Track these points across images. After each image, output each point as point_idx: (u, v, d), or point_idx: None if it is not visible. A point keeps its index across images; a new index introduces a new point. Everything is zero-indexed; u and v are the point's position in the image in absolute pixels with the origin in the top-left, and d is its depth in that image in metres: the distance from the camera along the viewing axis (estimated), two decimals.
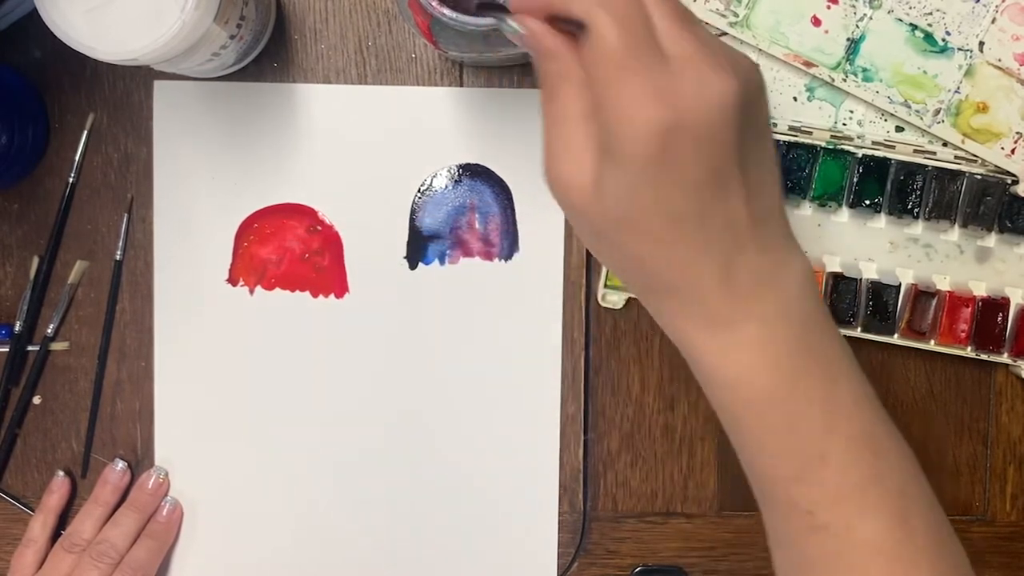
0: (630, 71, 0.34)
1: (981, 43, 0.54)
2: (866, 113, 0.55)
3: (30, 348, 0.57)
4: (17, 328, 0.57)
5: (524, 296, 0.57)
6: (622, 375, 0.58)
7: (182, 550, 0.58)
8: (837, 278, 0.55)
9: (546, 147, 0.37)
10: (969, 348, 0.56)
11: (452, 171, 0.57)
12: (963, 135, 0.54)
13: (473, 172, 0.57)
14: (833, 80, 0.54)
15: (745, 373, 0.38)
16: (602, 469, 0.58)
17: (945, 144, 0.55)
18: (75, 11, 0.45)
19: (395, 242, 0.57)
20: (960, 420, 0.58)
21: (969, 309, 0.56)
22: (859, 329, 0.56)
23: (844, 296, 0.55)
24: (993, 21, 0.54)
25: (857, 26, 0.54)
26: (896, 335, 0.56)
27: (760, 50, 0.54)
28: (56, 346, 0.58)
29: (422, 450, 0.58)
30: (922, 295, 0.56)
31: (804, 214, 0.56)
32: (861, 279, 0.56)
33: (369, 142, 0.57)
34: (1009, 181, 0.55)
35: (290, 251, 0.57)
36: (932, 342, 0.56)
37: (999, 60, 0.54)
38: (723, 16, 0.54)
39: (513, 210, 0.57)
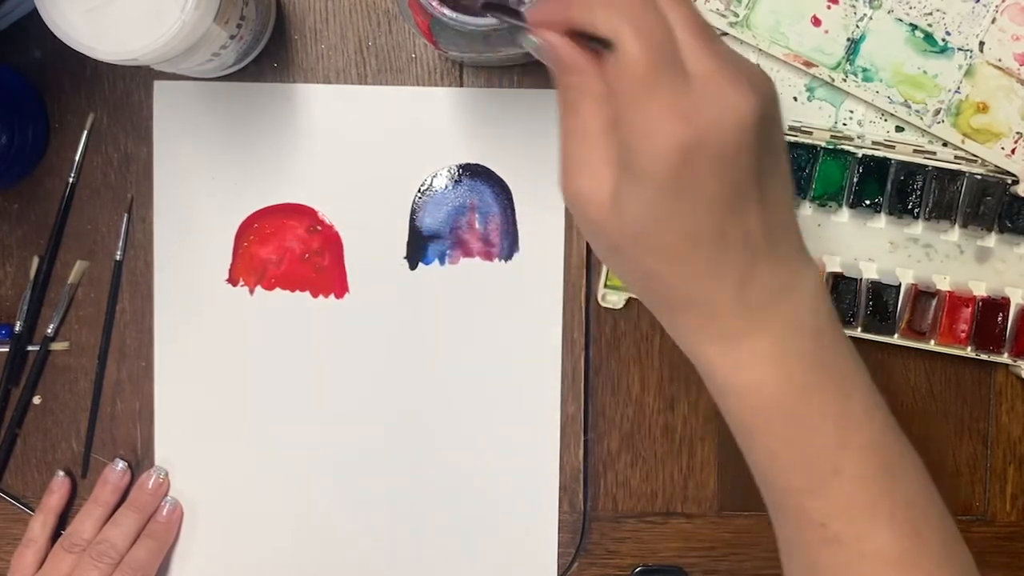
0: (653, 89, 0.33)
1: (981, 43, 0.54)
2: (866, 113, 0.55)
3: (30, 348, 0.57)
4: (17, 328, 0.57)
5: (524, 296, 0.57)
6: (622, 375, 0.58)
7: (182, 550, 0.58)
8: (837, 278, 0.55)
9: (564, 161, 0.37)
10: (969, 348, 0.56)
11: (452, 171, 0.57)
12: (963, 135, 0.54)
13: (473, 172, 0.57)
14: (833, 80, 0.54)
15: (758, 385, 0.38)
16: (602, 469, 0.58)
17: (945, 144, 0.55)
18: (75, 11, 0.45)
19: (395, 242, 0.57)
20: (960, 420, 0.58)
21: (969, 309, 0.56)
22: (859, 329, 0.56)
23: (844, 296, 0.55)
24: (993, 21, 0.54)
25: (857, 26, 0.54)
26: (896, 335, 0.56)
27: (760, 50, 0.54)
28: (56, 346, 0.58)
29: (422, 450, 0.58)
30: (922, 295, 0.56)
31: (804, 214, 0.56)
32: (861, 279, 0.56)
33: (369, 142, 0.57)
34: (1009, 181, 0.55)
35: (290, 251, 0.57)
36: (932, 342, 0.56)
37: (999, 60, 0.54)
38: (723, 16, 0.54)
39: (513, 210, 0.57)
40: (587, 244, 0.57)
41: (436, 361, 0.57)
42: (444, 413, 0.58)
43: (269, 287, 0.57)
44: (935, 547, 0.39)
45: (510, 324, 0.57)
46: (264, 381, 0.58)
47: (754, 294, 0.37)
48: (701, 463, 0.58)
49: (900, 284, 0.56)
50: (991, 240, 0.56)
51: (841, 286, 0.55)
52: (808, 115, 0.55)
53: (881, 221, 0.56)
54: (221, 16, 0.47)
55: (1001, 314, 0.56)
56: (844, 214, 0.56)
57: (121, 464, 0.57)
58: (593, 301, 0.57)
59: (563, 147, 0.37)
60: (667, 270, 0.36)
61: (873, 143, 0.55)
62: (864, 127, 0.55)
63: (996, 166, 0.55)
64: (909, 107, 0.54)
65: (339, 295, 0.57)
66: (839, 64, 0.54)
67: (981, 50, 0.54)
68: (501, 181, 0.57)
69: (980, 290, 0.56)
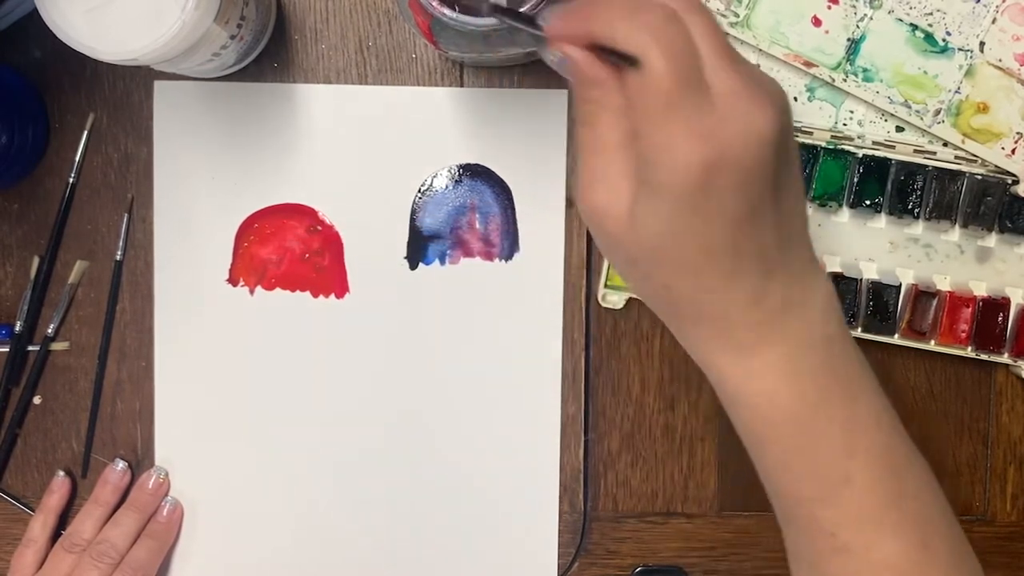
0: (677, 107, 0.33)
1: (982, 43, 0.54)
2: (866, 113, 0.55)
3: (30, 348, 0.57)
4: (17, 328, 0.57)
5: (524, 296, 0.57)
6: (622, 375, 0.58)
7: (182, 550, 0.58)
8: (837, 278, 0.55)
9: (581, 173, 0.37)
10: (969, 348, 0.56)
11: (452, 171, 0.57)
12: (963, 135, 0.54)
13: (473, 172, 0.57)
14: (833, 80, 0.54)
15: (769, 395, 0.38)
16: (602, 469, 0.58)
17: (945, 144, 0.55)
18: (75, 11, 0.45)
19: (395, 242, 0.57)
20: (960, 420, 0.58)
21: (969, 309, 0.56)
22: (859, 329, 0.56)
23: (844, 296, 0.55)
24: (993, 21, 0.54)
25: (857, 26, 0.54)
26: (896, 335, 0.56)
27: (760, 50, 0.54)
28: (56, 346, 0.58)
29: (422, 450, 0.58)
30: (922, 295, 0.56)
31: None
32: (861, 279, 0.56)
33: (369, 142, 0.57)
34: (1009, 181, 0.55)
35: (290, 251, 0.57)
36: (932, 342, 0.56)
37: (999, 60, 0.54)
38: (723, 16, 0.54)
39: (513, 210, 0.57)
40: (587, 244, 0.57)
41: (436, 361, 0.57)
42: (444, 413, 0.58)
43: (269, 287, 0.57)
44: (944, 556, 0.39)
45: (510, 324, 0.57)
46: (264, 381, 0.58)
47: (767, 306, 0.37)
48: (701, 463, 0.58)
49: (900, 284, 0.56)
50: (991, 240, 0.56)
51: (841, 286, 0.55)
52: (808, 115, 0.55)
53: (881, 221, 0.56)
54: (221, 16, 0.47)
55: (1001, 314, 0.56)
56: (844, 214, 0.56)
57: (121, 464, 0.57)
58: (593, 301, 0.57)
59: (580, 159, 0.37)
60: (682, 283, 0.36)
61: (873, 143, 0.55)
62: (864, 127, 0.55)
63: (996, 166, 0.55)
64: (909, 107, 0.54)
65: (339, 295, 0.57)
66: (839, 64, 0.54)
67: (981, 50, 0.54)
68: (501, 181, 0.57)
69: (980, 290, 0.56)
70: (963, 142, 0.54)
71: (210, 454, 0.58)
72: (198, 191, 0.57)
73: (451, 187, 0.57)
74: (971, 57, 0.54)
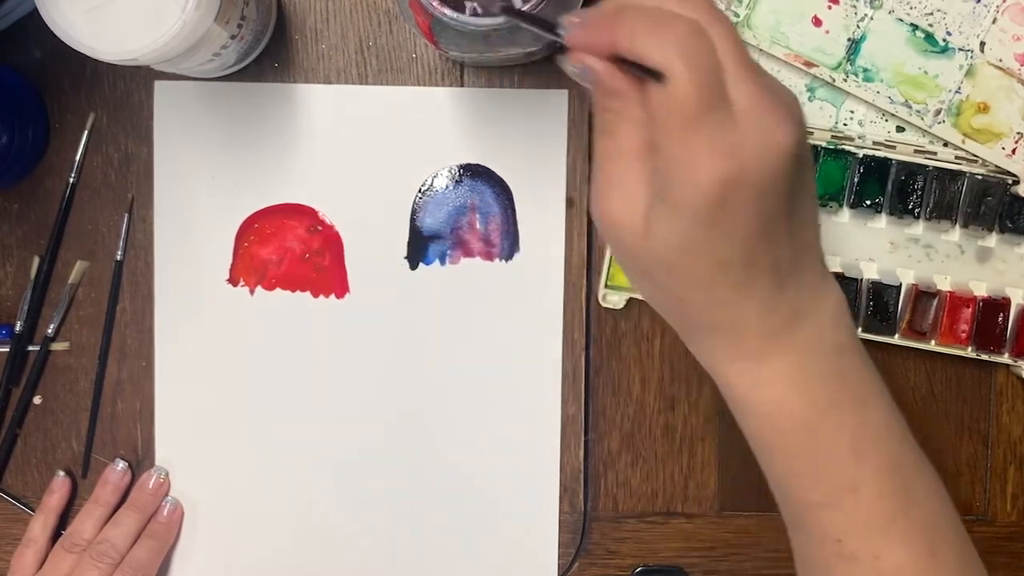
0: (700, 124, 0.33)
1: (982, 43, 0.54)
2: (867, 113, 0.55)
3: (30, 348, 0.57)
4: (17, 328, 0.57)
5: (524, 296, 0.57)
6: (622, 375, 0.58)
7: (182, 550, 0.58)
8: (838, 278, 0.55)
9: (597, 181, 0.36)
10: (970, 348, 0.56)
11: (452, 171, 0.57)
12: (964, 135, 0.54)
13: (473, 172, 0.57)
14: (834, 80, 0.54)
15: (779, 403, 0.38)
16: (602, 469, 0.58)
17: (946, 144, 0.55)
18: (75, 11, 0.45)
19: (396, 242, 0.57)
20: (960, 420, 0.58)
21: (970, 309, 0.56)
22: (860, 329, 0.56)
23: (844, 297, 0.55)
24: (994, 21, 0.54)
25: (858, 26, 0.54)
26: (897, 335, 0.56)
27: (761, 50, 0.54)
28: (56, 346, 0.58)
29: (422, 450, 0.58)
30: (923, 295, 0.56)
31: None
32: (862, 279, 0.56)
33: (369, 142, 0.57)
34: (1010, 181, 0.55)
35: (290, 251, 0.57)
36: (933, 342, 0.56)
37: (1000, 60, 0.54)
38: None
39: (514, 210, 0.57)
40: (587, 244, 0.57)
41: (436, 361, 0.57)
42: (444, 413, 0.58)
43: (269, 287, 0.57)
44: (951, 564, 0.39)
45: (510, 324, 0.57)
46: (264, 381, 0.57)
47: (778, 315, 0.37)
48: (701, 463, 0.58)
49: (901, 284, 0.56)
50: (992, 240, 0.56)
51: (841, 286, 0.55)
52: (809, 115, 0.55)
53: (882, 221, 0.56)
54: (221, 16, 0.47)
55: (1002, 314, 0.56)
56: (845, 214, 0.56)
57: (121, 464, 0.57)
58: (593, 301, 0.57)
59: (597, 168, 0.37)
60: (695, 296, 0.37)
61: (874, 143, 0.55)
62: (865, 127, 0.55)
63: (997, 166, 0.55)
64: (910, 107, 0.54)
65: (339, 295, 0.57)
66: (840, 64, 0.54)
67: (982, 50, 0.54)
68: (501, 181, 0.57)
69: (981, 290, 0.56)
70: (963, 142, 0.54)
71: (210, 454, 0.58)
72: (198, 191, 0.57)
73: (451, 187, 0.57)
74: (971, 57, 0.54)
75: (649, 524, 0.59)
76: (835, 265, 0.56)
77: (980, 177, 0.55)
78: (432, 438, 0.58)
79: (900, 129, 0.55)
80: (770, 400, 0.38)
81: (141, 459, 0.58)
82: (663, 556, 0.59)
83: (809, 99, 0.55)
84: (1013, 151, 0.54)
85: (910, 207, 0.55)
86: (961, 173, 0.55)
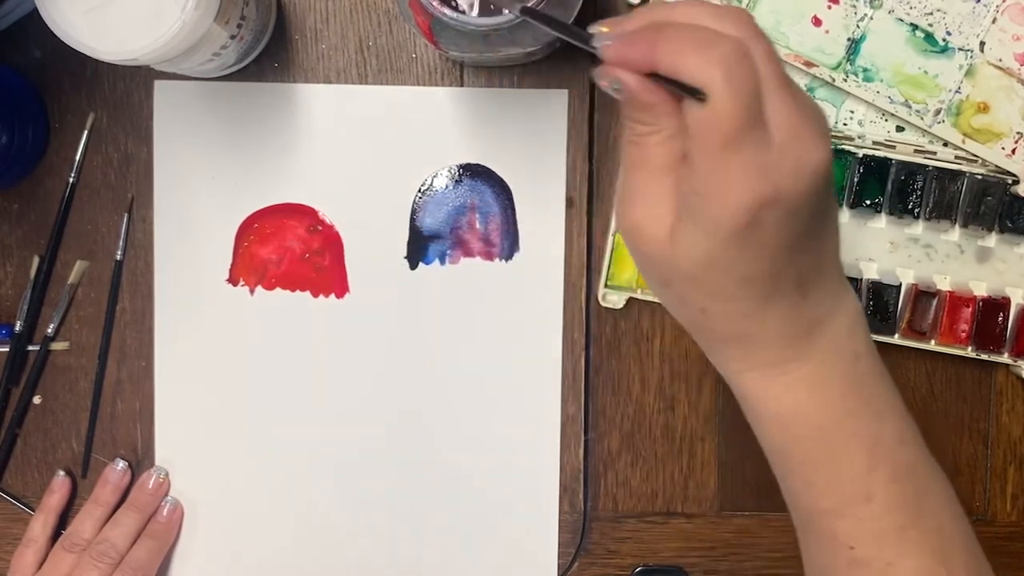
0: (738, 147, 0.33)
1: (982, 43, 0.54)
2: (867, 113, 0.55)
3: (30, 348, 0.57)
4: (17, 328, 0.57)
5: (524, 296, 0.57)
6: (622, 375, 0.58)
7: (182, 550, 0.58)
8: None
9: (624, 192, 0.36)
10: (969, 348, 0.56)
11: (452, 171, 0.57)
12: (964, 135, 0.54)
13: (473, 172, 0.57)
14: (834, 80, 0.54)
15: (795, 410, 0.38)
16: (602, 469, 0.58)
17: (946, 144, 0.55)
18: (75, 11, 0.45)
19: (395, 242, 0.57)
20: (960, 420, 0.58)
21: (969, 309, 0.56)
22: None
23: None
24: (994, 21, 0.54)
25: (858, 26, 0.54)
26: (897, 335, 0.56)
27: None
28: (56, 346, 0.58)
29: (422, 450, 0.58)
30: (923, 295, 0.56)
31: None
32: (862, 279, 0.56)
33: (369, 142, 0.57)
34: (1010, 181, 0.55)
35: (290, 251, 0.57)
36: (932, 342, 0.56)
37: (1000, 60, 0.54)
38: None
39: (513, 210, 0.57)
40: (587, 244, 0.57)
41: (436, 361, 0.57)
42: (444, 413, 0.58)
43: (269, 287, 0.57)
44: (962, 574, 0.40)
45: (510, 324, 0.57)
46: (264, 381, 0.57)
47: (799, 325, 0.37)
48: (701, 463, 0.58)
49: (900, 284, 0.56)
50: (991, 240, 0.56)
51: None
52: None
53: (881, 221, 0.56)
54: (221, 16, 0.47)
55: (1001, 314, 0.56)
56: (844, 214, 0.56)
57: (121, 464, 0.57)
58: (593, 301, 0.57)
59: (624, 177, 0.36)
60: (717, 307, 0.37)
61: (873, 143, 0.55)
62: (864, 127, 0.55)
63: (997, 166, 0.55)
64: (910, 107, 0.54)
65: (339, 295, 0.57)
66: (840, 64, 0.54)
67: (982, 50, 0.54)
68: (501, 181, 0.57)
69: (980, 290, 0.56)
70: (963, 142, 0.54)
71: (210, 454, 0.58)
72: (198, 191, 0.57)
73: (451, 187, 0.57)
74: (971, 57, 0.54)
75: (649, 524, 0.59)
76: None
77: (980, 177, 0.55)
78: (432, 438, 0.58)
79: (900, 129, 0.55)
80: (786, 407, 0.38)
81: (141, 459, 0.58)
82: (663, 556, 0.59)
83: None
84: (1013, 151, 0.54)
85: (910, 207, 0.55)
86: (961, 173, 0.55)
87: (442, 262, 0.57)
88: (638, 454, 0.58)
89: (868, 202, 0.55)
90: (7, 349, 0.57)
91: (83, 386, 0.58)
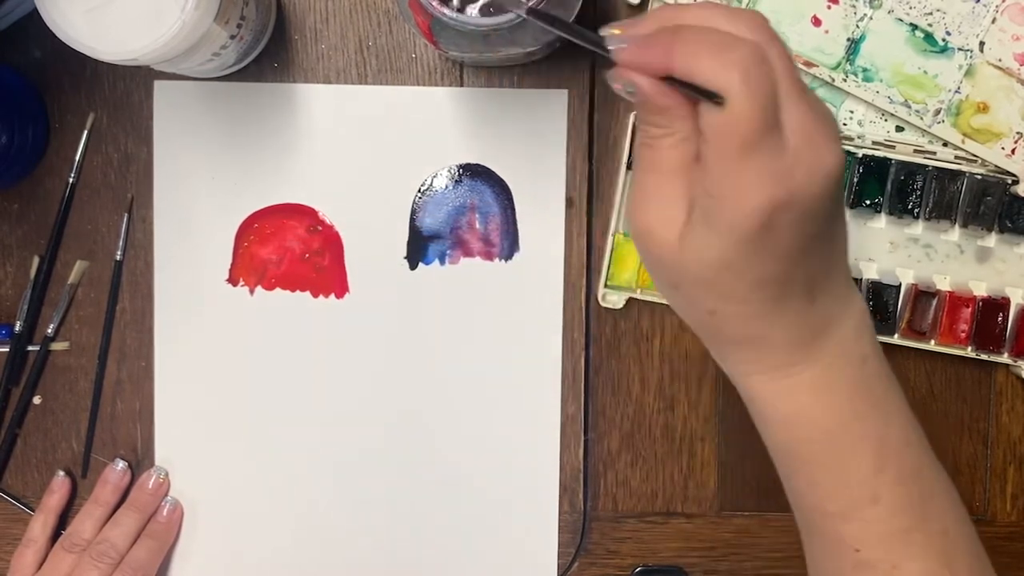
0: (754, 151, 0.33)
1: (981, 43, 0.54)
2: (866, 113, 0.55)
3: (30, 348, 0.57)
4: (17, 328, 0.57)
5: (524, 296, 0.57)
6: (622, 375, 0.58)
7: (182, 550, 0.58)
8: None
9: (636, 194, 0.36)
10: (969, 348, 0.56)
11: (452, 171, 0.57)
12: (963, 135, 0.54)
13: (473, 172, 0.57)
14: (833, 80, 0.54)
15: (802, 413, 0.38)
16: (602, 469, 0.58)
17: (945, 144, 0.55)
18: (75, 11, 0.45)
19: (395, 242, 0.57)
20: (960, 420, 0.58)
21: (969, 309, 0.56)
22: None
23: None
24: (993, 21, 0.54)
25: (857, 26, 0.54)
26: (896, 335, 0.56)
27: None
28: (56, 346, 0.58)
29: (422, 450, 0.58)
30: (922, 295, 0.56)
31: None
32: (861, 279, 0.56)
33: (369, 142, 0.57)
34: (1009, 181, 0.55)
35: (290, 251, 0.57)
36: (932, 342, 0.56)
37: (999, 60, 0.54)
38: None
39: (513, 210, 0.57)
40: (587, 244, 0.57)
41: (436, 361, 0.57)
42: (444, 413, 0.58)
43: (269, 287, 0.57)
44: None
45: (510, 324, 0.57)
46: (264, 381, 0.58)
47: (807, 328, 0.37)
48: (701, 463, 0.58)
49: (900, 284, 0.56)
50: (991, 240, 0.56)
51: None
52: None
53: (881, 221, 0.56)
54: (221, 16, 0.47)
55: (1001, 314, 0.56)
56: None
57: (121, 464, 0.57)
58: (593, 301, 0.57)
59: (637, 180, 0.36)
60: (727, 310, 0.37)
61: (873, 143, 0.55)
62: (864, 127, 0.55)
63: (996, 166, 0.55)
64: (909, 107, 0.54)
65: (339, 295, 0.57)
66: (839, 64, 0.54)
67: (981, 50, 0.54)
68: (501, 181, 0.57)
69: (980, 290, 0.56)
70: (963, 142, 0.54)
71: (210, 454, 0.58)
72: (198, 191, 0.57)
73: (451, 187, 0.57)
74: (971, 57, 0.54)
75: (649, 524, 0.59)
76: None
77: (980, 177, 0.55)
78: (432, 438, 0.58)
79: (900, 129, 0.55)
80: (793, 409, 0.38)
81: (141, 459, 0.58)
82: (663, 556, 0.59)
83: None
84: (1012, 151, 0.54)
85: (909, 207, 0.55)
86: (961, 173, 0.55)
87: (442, 262, 0.57)
88: (638, 454, 0.58)
89: (868, 202, 0.55)
90: (7, 349, 0.57)
91: (83, 386, 0.58)
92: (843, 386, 0.38)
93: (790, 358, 0.38)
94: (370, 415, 0.58)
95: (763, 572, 0.59)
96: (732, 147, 0.33)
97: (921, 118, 0.54)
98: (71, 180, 0.57)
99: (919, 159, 0.55)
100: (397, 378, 0.57)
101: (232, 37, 0.50)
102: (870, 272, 0.56)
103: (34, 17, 0.47)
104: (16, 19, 0.56)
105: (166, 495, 0.57)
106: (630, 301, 0.57)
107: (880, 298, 0.55)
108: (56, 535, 0.57)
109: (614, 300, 0.57)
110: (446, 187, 0.57)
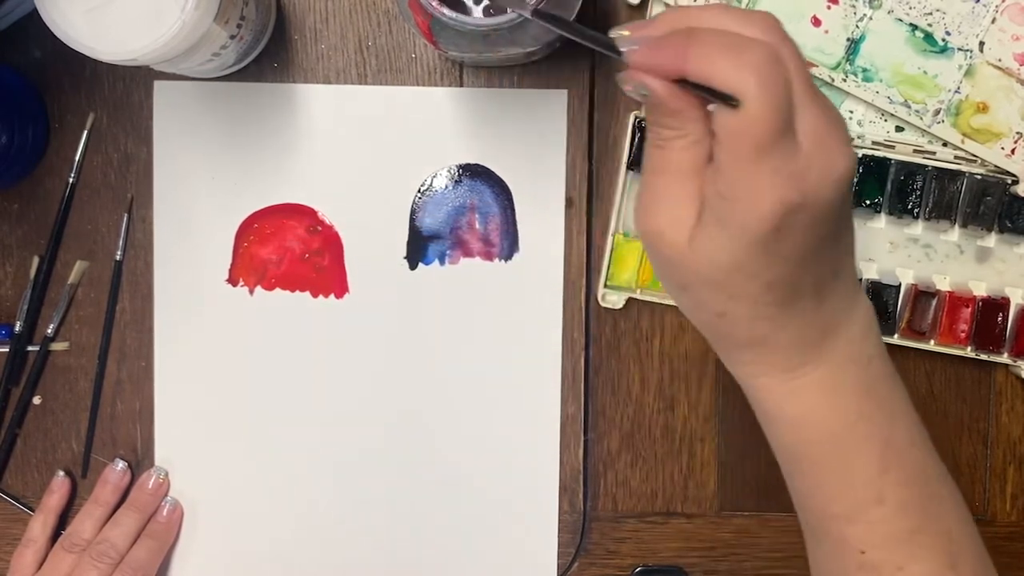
0: (768, 153, 0.33)
1: (981, 43, 0.54)
2: (866, 113, 0.55)
3: (30, 348, 0.57)
4: (17, 328, 0.57)
5: (524, 296, 0.57)
6: (622, 375, 0.58)
7: (182, 550, 0.58)
8: None
9: (645, 195, 0.36)
10: (969, 348, 0.56)
11: (452, 171, 0.57)
12: (963, 135, 0.54)
13: (473, 172, 0.57)
14: (833, 80, 0.54)
15: (809, 414, 0.38)
16: (602, 469, 0.58)
17: (945, 144, 0.55)
18: (75, 11, 0.45)
19: (395, 242, 0.57)
20: (960, 420, 0.58)
21: (969, 309, 0.56)
22: None
23: None
24: (993, 21, 0.54)
25: (857, 26, 0.54)
26: (896, 335, 0.56)
27: None
28: (56, 346, 0.58)
29: (422, 450, 0.58)
30: (922, 295, 0.56)
31: None
32: (861, 279, 0.56)
33: (369, 142, 0.57)
34: (1009, 181, 0.55)
35: (290, 251, 0.57)
36: (932, 342, 0.56)
37: (999, 60, 0.54)
38: None
39: (513, 210, 0.57)
40: (587, 244, 0.57)
41: (436, 361, 0.57)
42: (444, 413, 0.58)
43: (269, 287, 0.57)
44: None
45: (510, 324, 0.57)
46: (264, 381, 0.58)
47: (815, 329, 0.37)
48: (701, 463, 0.58)
49: (900, 284, 0.56)
50: (991, 240, 0.56)
51: None
52: None
53: (881, 221, 0.56)
54: (221, 16, 0.47)
55: (1001, 314, 0.56)
56: None
57: (121, 464, 0.57)
58: (593, 301, 0.57)
59: (646, 181, 0.36)
60: (737, 312, 0.36)
61: (873, 143, 0.55)
62: (864, 127, 0.55)
63: (996, 166, 0.55)
64: (909, 107, 0.54)
65: (339, 295, 0.57)
66: (839, 64, 0.54)
67: (981, 50, 0.54)
68: (501, 181, 0.57)
69: (980, 290, 0.56)
70: (963, 142, 0.54)
71: (210, 454, 0.58)
72: (198, 191, 0.57)
73: (451, 187, 0.57)
74: (971, 57, 0.54)
75: (649, 524, 0.59)
76: None
77: (979, 177, 0.55)
78: (432, 438, 0.58)
79: (899, 129, 0.55)
80: (800, 410, 0.38)
81: (141, 459, 0.58)
82: (663, 556, 0.59)
83: None
84: (1012, 151, 0.54)
85: (909, 207, 0.55)
86: (960, 173, 0.55)
87: (442, 262, 0.57)
88: (638, 454, 0.58)
89: (868, 202, 0.55)
90: (7, 349, 0.57)
91: (83, 386, 0.58)
92: (849, 387, 0.38)
93: (798, 359, 0.38)
94: (370, 415, 0.58)
95: (763, 572, 0.59)
96: (747, 149, 0.33)
97: (921, 118, 0.54)
98: (71, 180, 0.57)
99: (919, 159, 0.55)
100: (397, 378, 0.57)
101: (232, 37, 0.50)
102: (870, 272, 0.56)
103: (34, 17, 0.47)
104: (16, 19, 0.56)
105: (166, 495, 0.57)
106: (630, 301, 0.57)
107: (880, 298, 0.55)
108: (56, 535, 0.57)
109: (614, 300, 0.57)
110: (446, 187, 0.57)
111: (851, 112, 0.55)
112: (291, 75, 0.57)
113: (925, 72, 0.54)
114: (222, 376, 0.57)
